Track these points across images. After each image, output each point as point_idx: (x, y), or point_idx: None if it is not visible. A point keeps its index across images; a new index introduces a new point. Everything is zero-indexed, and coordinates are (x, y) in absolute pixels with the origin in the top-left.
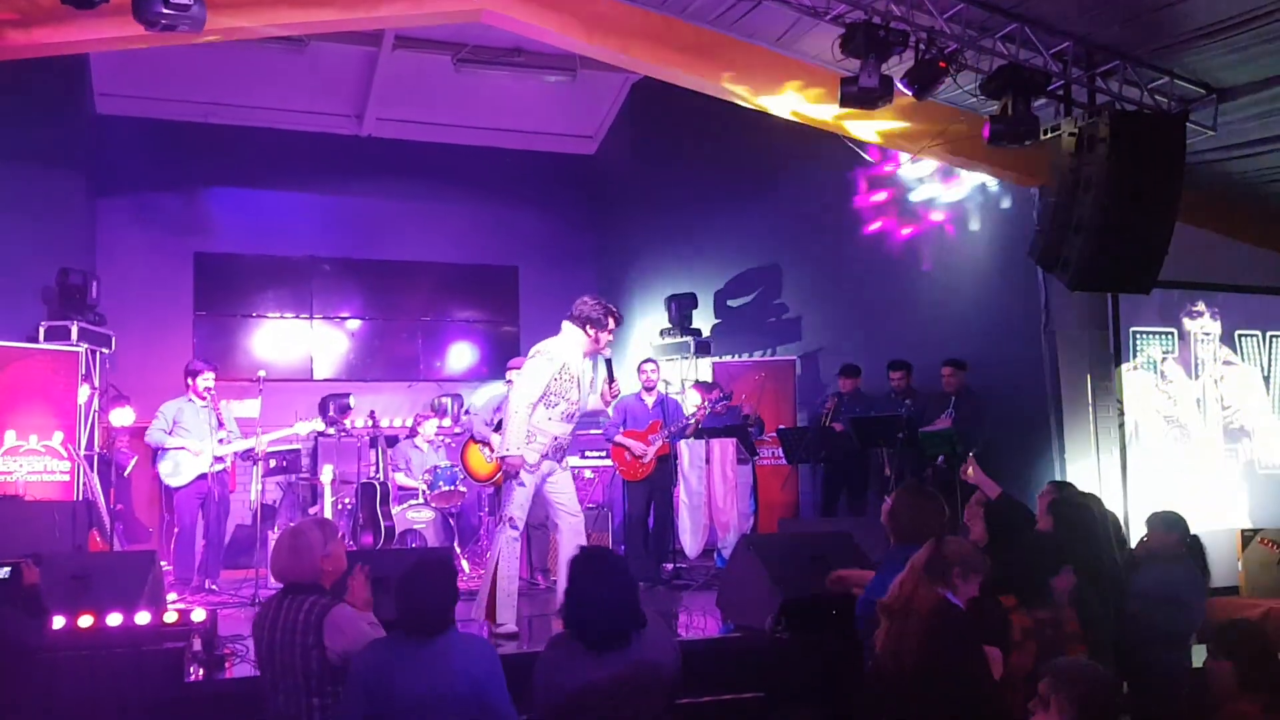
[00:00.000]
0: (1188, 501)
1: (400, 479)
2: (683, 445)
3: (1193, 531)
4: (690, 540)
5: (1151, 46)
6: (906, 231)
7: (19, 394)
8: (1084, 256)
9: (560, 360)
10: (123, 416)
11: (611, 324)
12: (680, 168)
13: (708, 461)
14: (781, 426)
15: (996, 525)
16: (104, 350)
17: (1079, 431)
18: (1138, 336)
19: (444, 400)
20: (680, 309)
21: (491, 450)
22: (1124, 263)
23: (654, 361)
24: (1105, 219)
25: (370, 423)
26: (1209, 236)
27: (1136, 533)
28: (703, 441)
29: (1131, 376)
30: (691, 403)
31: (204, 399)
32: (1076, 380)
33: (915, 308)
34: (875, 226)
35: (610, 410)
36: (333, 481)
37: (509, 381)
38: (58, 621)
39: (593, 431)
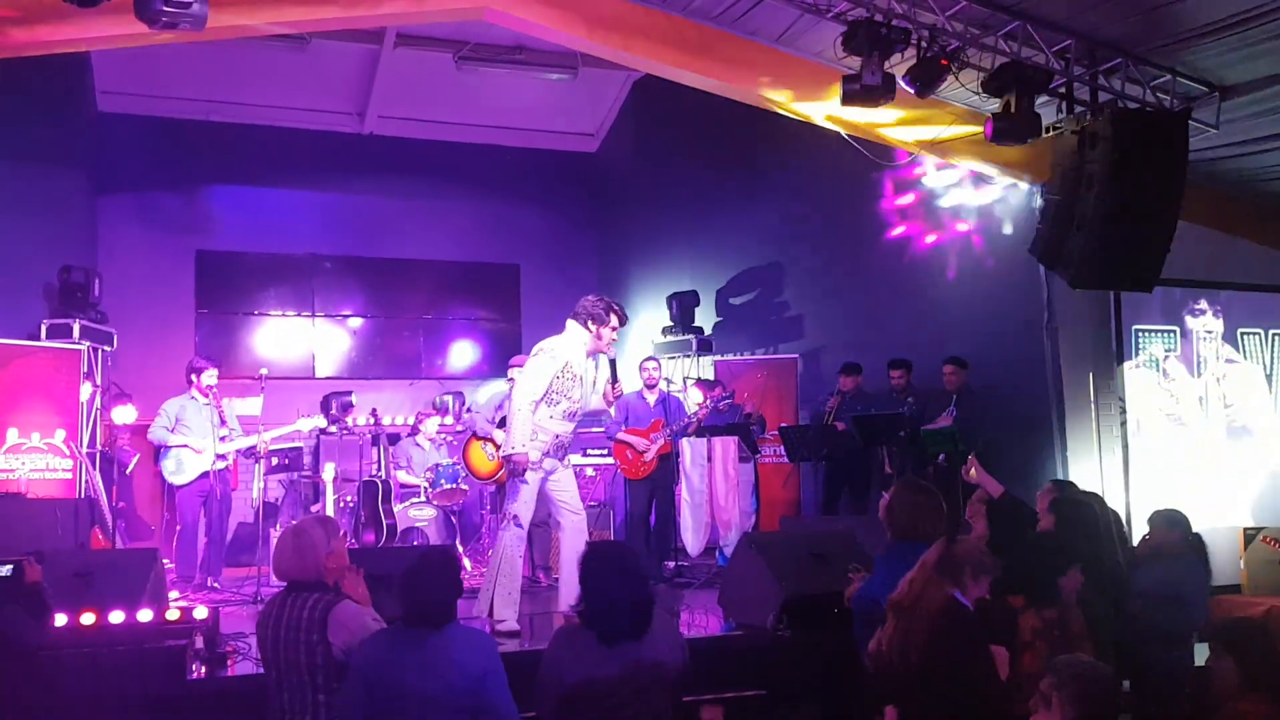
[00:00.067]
0: (1190, 500)
1: (402, 477)
2: (685, 443)
3: (1195, 530)
4: (692, 538)
5: (1154, 44)
6: (917, 233)
7: (21, 392)
8: (1086, 254)
9: (563, 358)
10: (125, 414)
11: (614, 321)
12: (682, 165)
13: (709, 459)
14: (783, 424)
15: (999, 524)
16: (106, 348)
17: (1081, 430)
18: (1140, 334)
19: (445, 398)
20: (682, 307)
21: (496, 447)
22: (1126, 261)
23: (656, 359)
24: (1107, 217)
25: (372, 420)
26: (1211, 234)
27: (1139, 531)
28: (704, 440)
29: (1134, 374)
30: (693, 401)
31: (206, 396)
32: (1078, 378)
33: (917, 306)
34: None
35: (612, 410)
36: (335, 479)
37: (510, 380)
38: (60, 619)
39: (594, 430)
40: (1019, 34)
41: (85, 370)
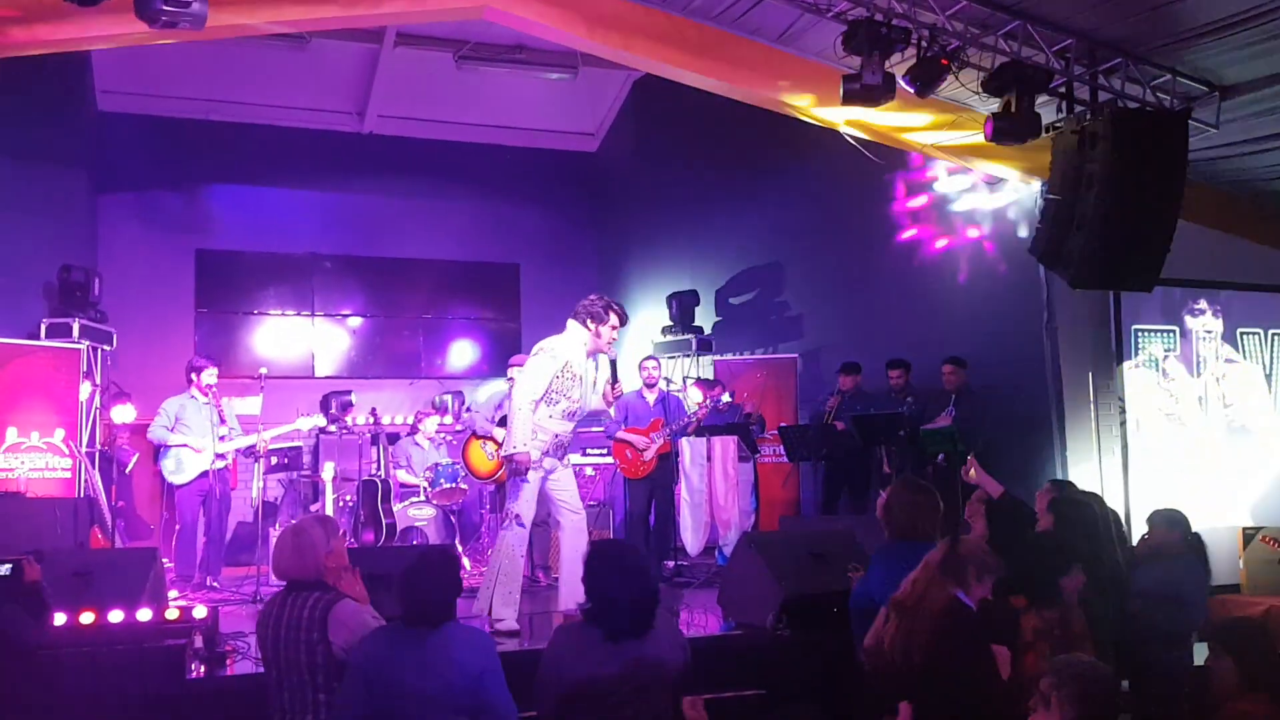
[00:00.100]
0: (1189, 499)
1: (402, 476)
2: (684, 443)
3: (1194, 529)
4: (691, 538)
5: (1154, 44)
6: (917, 234)
7: (20, 391)
8: (1086, 254)
9: (563, 358)
10: (124, 413)
11: (613, 320)
12: (682, 165)
13: (709, 459)
14: (783, 424)
15: (998, 524)
16: (105, 347)
17: (1080, 429)
18: (1139, 334)
19: (445, 398)
20: (682, 306)
21: (497, 445)
22: (1126, 260)
23: (655, 358)
24: (1107, 216)
25: (371, 420)
26: (1211, 234)
27: (1138, 531)
28: (704, 439)
29: (1133, 374)
30: (693, 400)
31: (206, 396)
32: (1078, 378)
33: (916, 305)
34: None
35: (612, 411)
36: (334, 479)
37: (510, 379)
38: (59, 618)
39: (594, 429)
40: (1019, 33)
41: (85, 369)
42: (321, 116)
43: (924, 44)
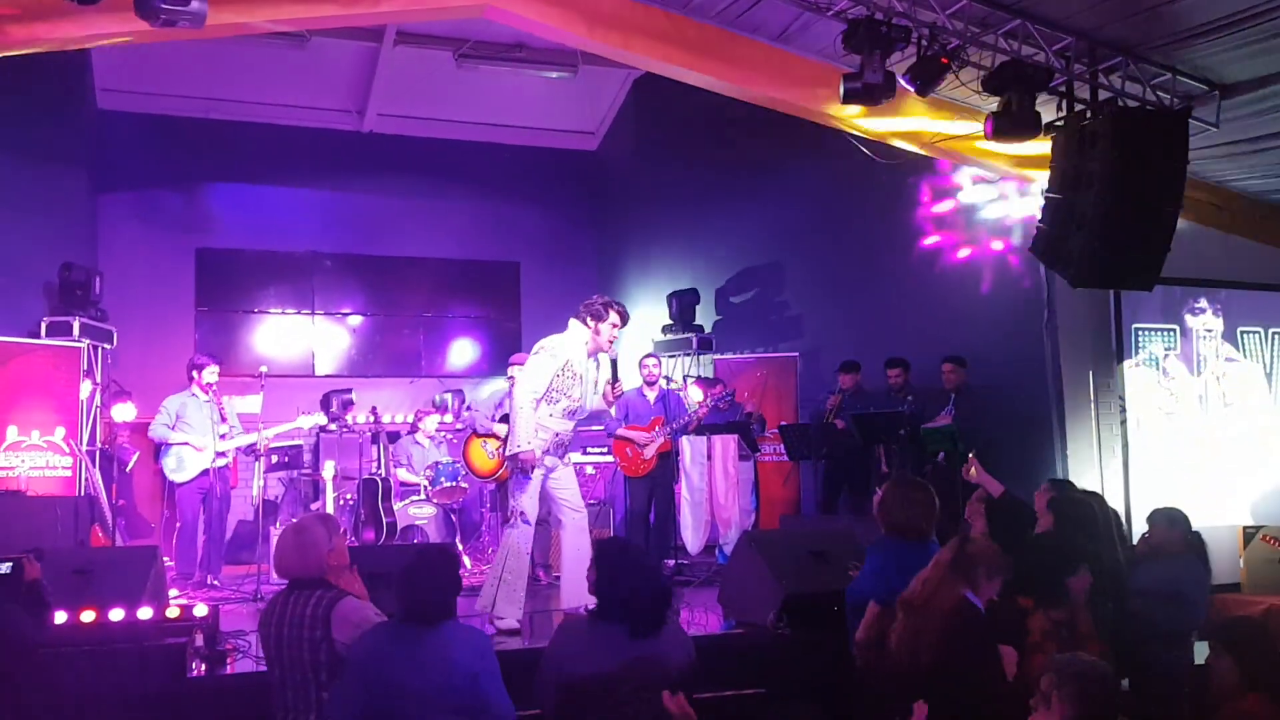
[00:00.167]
0: (1189, 498)
1: (402, 475)
2: (684, 441)
3: (1194, 528)
4: (692, 536)
5: (1154, 43)
6: (917, 234)
7: (21, 389)
8: (1086, 253)
9: (563, 357)
10: (124, 412)
11: (614, 318)
12: (682, 164)
13: (709, 458)
14: (783, 423)
15: (998, 523)
16: (106, 346)
17: (1081, 428)
18: (1140, 333)
19: (445, 396)
20: (682, 305)
21: (499, 442)
22: (1126, 259)
23: (655, 356)
24: (1107, 215)
25: (372, 418)
26: (1211, 233)
27: (1138, 529)
28: (704, 438)
29: (1133, 373)
30: (693, 399)
31: (207, 394)
32: (1078, 377)
33: (917, 304)
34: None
35: (613, 410)
36: (334, 477)
37: (510, 378)
38: (60, 617)
39: (594, 428)
40: (1019, 32)
41: (85, 368)
42: (321, 115)
43: (924, 42)
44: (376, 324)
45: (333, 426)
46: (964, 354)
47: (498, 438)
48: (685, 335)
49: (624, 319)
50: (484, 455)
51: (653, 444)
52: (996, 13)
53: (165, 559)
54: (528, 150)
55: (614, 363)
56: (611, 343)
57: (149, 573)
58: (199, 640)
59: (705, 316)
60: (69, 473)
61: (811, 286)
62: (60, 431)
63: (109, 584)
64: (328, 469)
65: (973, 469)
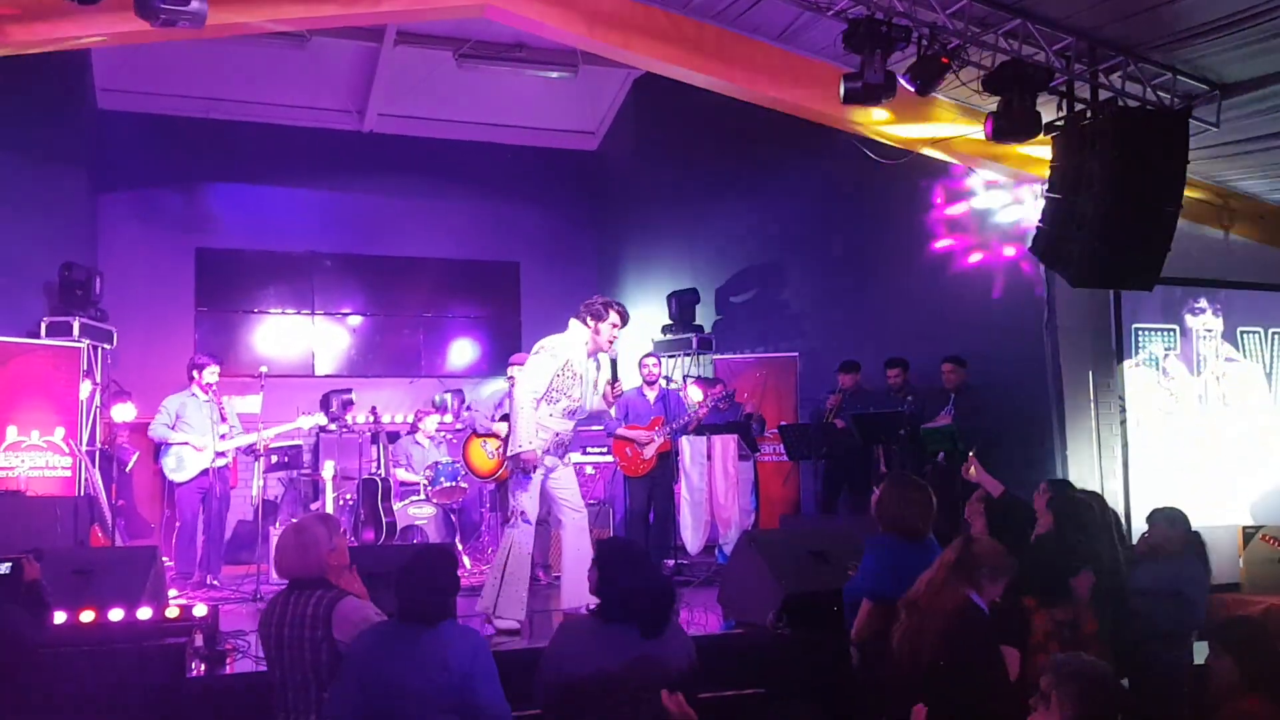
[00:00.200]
0: (1189, 498)
1: (402, 475)
2: (684, 441)
3: (1194, 528)
4: (692, 536)
5: (1154, 43)
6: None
7: (21, 389)
8: (1086, 253)
9: (563, 356)
10: (124, 412)
11: (613, 318)
12: (682, 164)
13: (709, 458)
14: (783, 423)
15: (998, 523)
16: (105, 346)
17: (1081, 428)
18: (1140, 333)
19: (445, 396)
20: (681, 305)
21: (500, 441)
22: (1126, 259)
23: (655, 356)
24: (1108, 216)
25: (371, 418)
26: (1211, 233)
27: (1138, 529)
28: (704, 438)
29: (1133, 373)
30: (692, 399)
31: (207, 393)
32: (1078, 377)
33: (917, 304)
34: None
35: (612, 411)
36: (334, 477)
37: (510, 378)
38: (59, 617)
39: (594, 428)
40: (1019, 32)
41: (85, 368)
42: (322, 115)
43: (924, 42)
44: (376, 324)
45: (332, 426)
46: (964, 354)
47: (498, 437)
48: (685, 335)
49: (624, 319)
50: (484, 455)
51: (652, 444)
52: (996, 12)
53: (165, 559)
54: (528, 150)
55: (614, 362)
56: (611, 342)
57: (148, 573)
58: (198, 640)
59: (705, 316)
60: (69, 473)
61: (811, 286)
62: (60, 431)
63: (108, 584)
64: (327, 469)
65: (972, 468)
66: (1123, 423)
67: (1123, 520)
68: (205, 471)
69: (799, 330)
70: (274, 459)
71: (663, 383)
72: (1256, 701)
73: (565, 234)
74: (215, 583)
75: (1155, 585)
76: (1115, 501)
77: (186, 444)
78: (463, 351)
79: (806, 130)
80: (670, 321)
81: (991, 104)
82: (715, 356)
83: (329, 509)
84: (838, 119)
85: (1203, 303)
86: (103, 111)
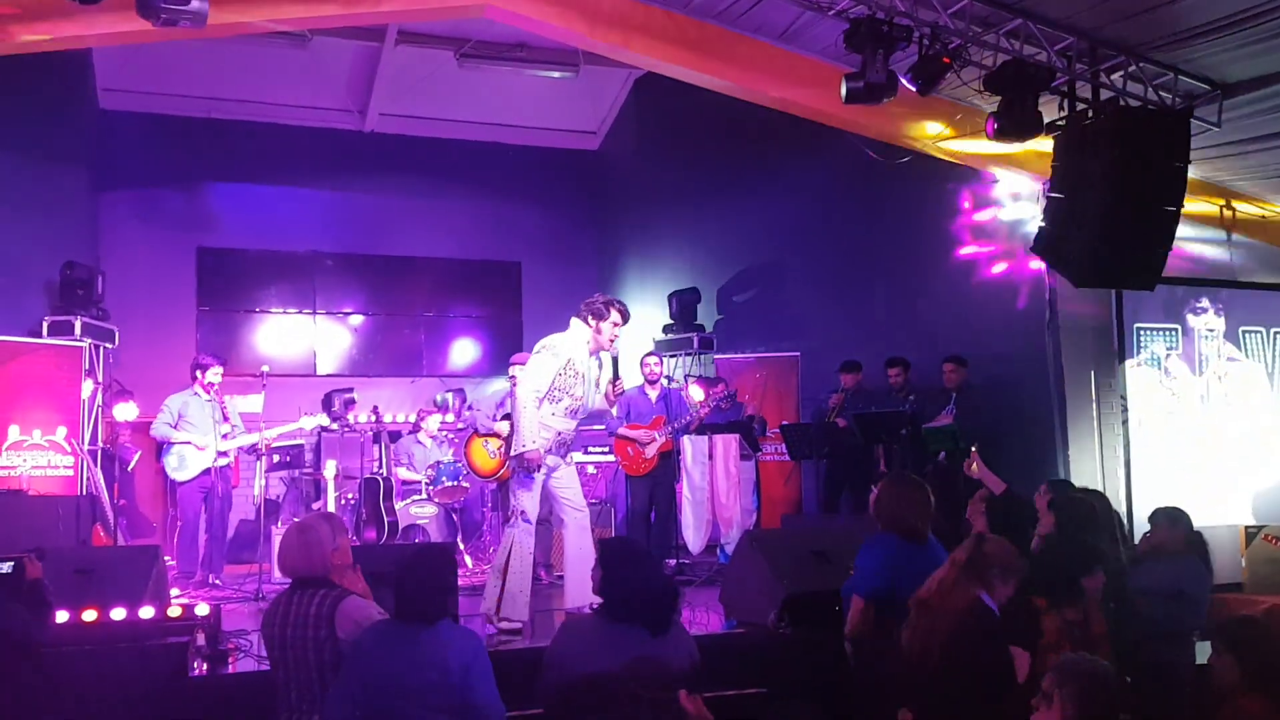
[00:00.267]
0: (1191, 498)
1: (403, 474)
2: (686, 441)
3: (1196, 527)
4: (693, 536)
5: (1156, 42)
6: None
7: (23, 389)
8: (1088, 253)
9: (565, 355)
10: (126, 411)
11: (615, 317)
12: (683, 163)
13: (711, 457)
14: (785, 422)
15: (999, 522)
16: (107, 345)
17: (1082, 428)
18: (1142, 333)
19: (446, 395)
20: (683, 304)
21: (502, 439)
22: (1128, 259)
23: (657, 355)
24: (1109, 215)
25: (373, 418)
26: (1213, 233)
27: (1140, 529)
28: (706, 437)
29: (1135, 373)
30: (694, 398)
31: (209, 393)
32: (1080, 377)
33: (918, 304)
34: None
35: (614, 410)
36: (336, 476)
37: (511, 378)
38: (61, 616)
39: (595, 427)
40: (1021, 32)
41: (87, 367)
42: (323, 114)
43: (926, 42)
44: (378, 323)
45: (334, 426)
46: (965, 353)
47: (499, 437)
48: (686, 334)
49: (625, 317)
50: (485, 454)
51: (654, 443)
52: (998, 12)
53: (167, 558)
54: (529, 150)
55: (615, 361)
56: (613, 341)
57: (150, 572)
58: (200, 639)
59: (706, 316)
60: (71, 472)
61: (813, 286)
62: (62, 431)
63: (111, 583)
64: (329, 468)
65: (974, 465)
66: (1124, 422)
67: (1124, 520)
68: (207, 471)
69: (800, 330)
70: (276, 458)
71: (664, 382)
72: (1258, 701)
73: (566, 233)
74: (217, 582)
75: (1157, 585)
76: (1117, 501)
77: (188, 443)
78: (464, 351)
79: (807, 130)
80: (671, 321)
81: (994, 103)
82: (716, 356)
83: (331, 508)
84: (839, 119)
85: (1204, 302)
86: (104, 111)
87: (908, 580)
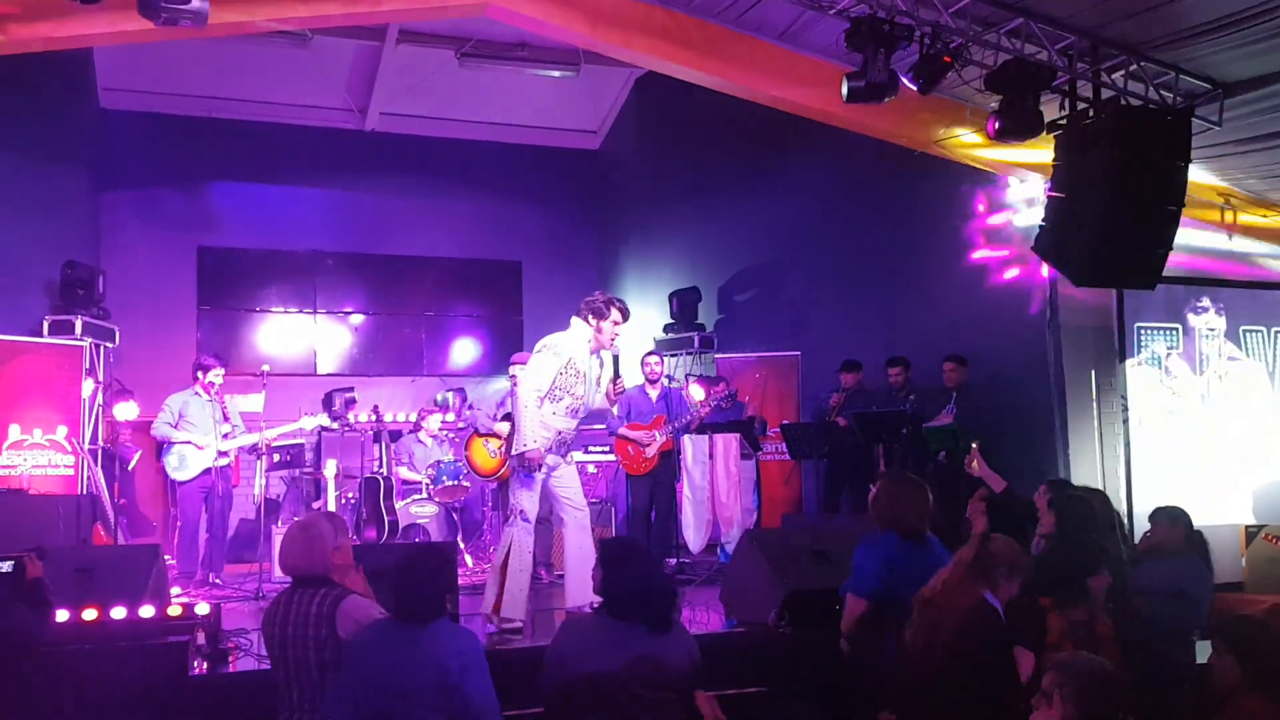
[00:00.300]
0: (1191, 497)
1: (404, 473)
2: (686, 440)
3: (1196, 527)
4: (694, 535)
5: (1157, 42)
6: (919, 233)
7: (23, 388)
8: (1089, 252)
9: (566, 354)
10: (126, 411)
11: (615, 315)
12: (684, 163)
13: (711, 456)
14: (785, 422)
15: (999, 521)
16: (108, 344)
17: (1083, 427)
18: (1142, 332)
19: (447, 395)
20: (683, 304)
21: (501, 440)
22: (1129, 258)
23: (658, 354)
24: (1110, 214)
25: (374, 417)
26: (1214, 232)
27: (1140, 528)
28: (706, 436)
29: (1136, 372)
30: (694, 398)
31: (209, 393)
32: (1081, 376)
33: (918, 303)
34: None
35: (614, 409)
36: (336, 476)
37: (512, 377)
38: (62, 615)
39: (596, 427)
40: (1022, 31)
41: (87, 366)
42: (323, 114)
43: (926, 41)
44: (378, 323)
45: (335, 425)
46: (965, 352)
47: (499, 437)
48: (687, 334)
49: (625, 315)
50: (486, 454)
51: (654, 443)
52: (999, 11)
53: (167, 557)
54: (530, 149)
55: (615, 360)
56: (613, 340)
57: (151, 571)
58: (201, 638)
59: (707, 315)
60: (71, 471)
61: (813, 285)
62: (62, 430)
63: (111, 582)
64: (330, 467)
65: (974, 462)
66: (1125, 422)
67: (1125, 519)
68: (208, 470)
69: (801, 329)
70: (276, 457)
71: (665, 381)
72: (1258, 700)
73: (567, 233)
74: (218, 581)
75: (1157, 584)
76: (1117, 500)
77: (189, 443)
78: (465, 350)
79: (808, 129)
80: (672, 320)
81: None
82: (717, 355)
83: (331, 507)
84: (840, 118)
85: (1205, 302)
86: (105, 110)
87: (906, 580)
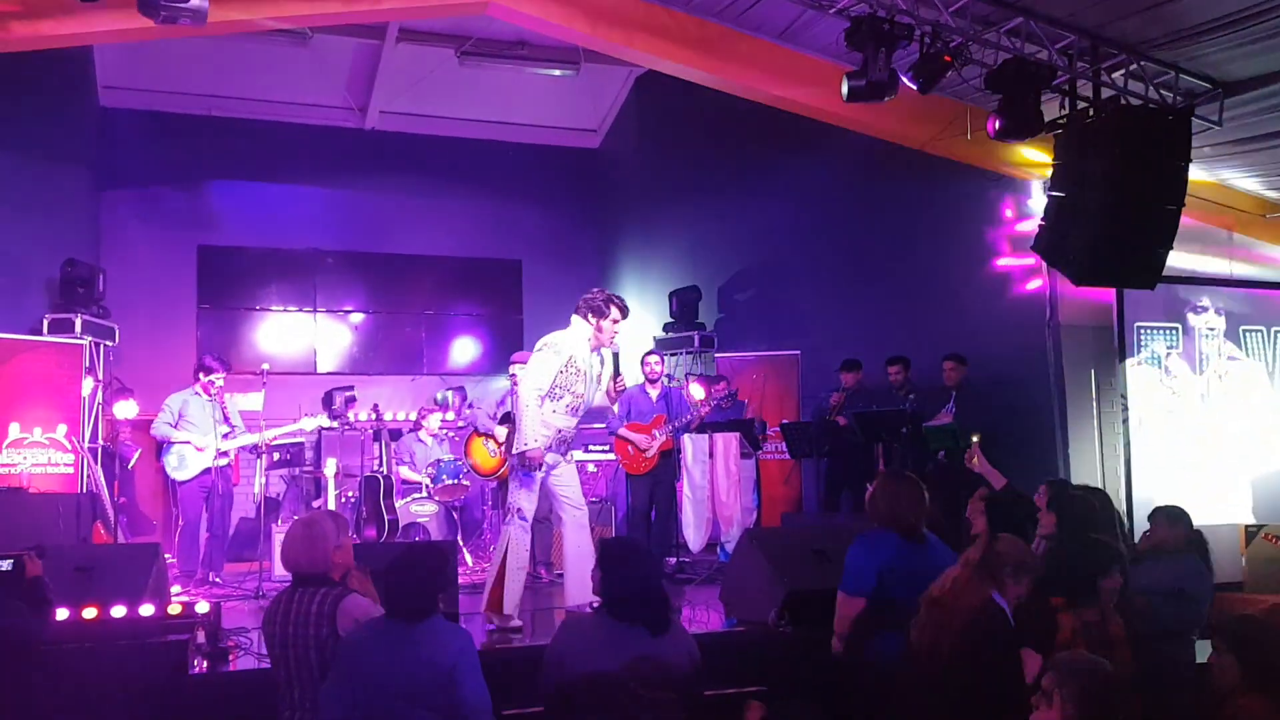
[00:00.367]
0: (1191, 496)
1: (404, 472)
2: (686, 439)
3: (1196, 526)
4: (693, 534)
5: (1157, 41)
6: (919, 232)
7: (23, 386)
8: (1088, 251)
9: (566, 353)
10: (126, 409)
11: (614, 313)
12: (684, 161)
13: (711, 456)
14: (785, 421)
15: (999, 520)
16: (108, 343)
17: (1083, 426)
18: (1142, 331)
19: (447, 394)
20: (683, 303)
21: (498, 443)
22: (1129, 258)
23: (658, 353)
24: (1110, 214)
25: (374, 416)
26: (1214, 232)
27: (1140, 528)
28: (706, 435)
29: (1136, 372)
30: (695, 397)
31: (209, 394)
32: (1080, 375)
33: (918, 302)
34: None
35: (615, 408)
36: (336, 475)
37: (512, 376)
38: (62, 614)
39: (596, 426)
40: (1022, 30)
41: (87, 365)
42: (324, 112)
43: (927, 40)
44: (378, 321)
45: (335, 424)
46: (965, 352)
47: (496, 439)
48: (687, 333)
49: (625, 313)
50: (486, 453)
51: (654, 444)
52: (999, 10)
53: (167, 556)
54: (530, 148)
55: (616, 358)
56: (613, 338)
57: (151, 570)
58: (201, 637)
59: (707, 314)
60: (71, 470)
61: (813, 284)
62: (62, 429)
63: (111, 581)
64: (329, 466)
65: (975, 459)
66: (1125, 421)
67: (1125, 518)
68: (207, 469)
69: (801, 328)
70: (276, 456)
71: (665, 380)
72: (1259, 701)
73: (567, 232)
74: (218, 580)
75: (1157, 584)
76: (1117, 500)
77: (188, 443)
78: (465, 349)
79: (808, 128)
80: (672, 319)
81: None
82: (717, 354)
83: (331, 506)
84: (839, 117)
85: (1205, 301)
86: (105, 109)
87: (903, 579)
